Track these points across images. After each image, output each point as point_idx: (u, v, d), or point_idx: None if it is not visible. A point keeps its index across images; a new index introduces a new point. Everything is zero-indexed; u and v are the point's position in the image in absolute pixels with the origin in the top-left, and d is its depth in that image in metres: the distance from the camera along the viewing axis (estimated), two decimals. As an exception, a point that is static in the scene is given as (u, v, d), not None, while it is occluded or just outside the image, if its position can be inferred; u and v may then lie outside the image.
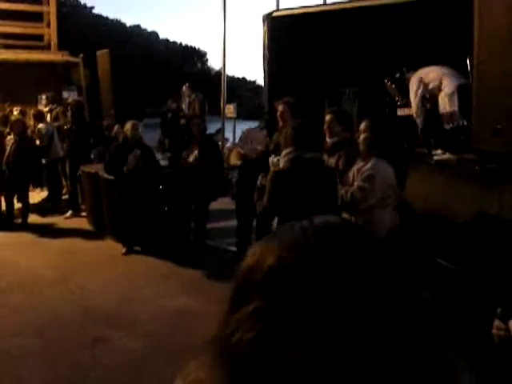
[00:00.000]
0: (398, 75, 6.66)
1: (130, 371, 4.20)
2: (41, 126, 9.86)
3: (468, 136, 5.24)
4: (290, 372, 0.66)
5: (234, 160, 5.74)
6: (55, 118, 9.60)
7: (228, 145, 11.62)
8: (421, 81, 6.13)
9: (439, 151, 5.78)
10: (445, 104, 5.78)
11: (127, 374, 4.18)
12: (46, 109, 10.64)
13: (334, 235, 0.75)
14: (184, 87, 11.45)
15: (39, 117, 10.15)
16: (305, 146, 3.57)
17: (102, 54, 8.41)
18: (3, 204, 8.66)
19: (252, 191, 6.03)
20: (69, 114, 9.34)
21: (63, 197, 10.35)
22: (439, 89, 5.92)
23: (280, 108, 5.94)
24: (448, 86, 5.74)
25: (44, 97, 11.05)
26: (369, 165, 4.21)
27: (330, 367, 0.65)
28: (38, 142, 9.44)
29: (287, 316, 0.68)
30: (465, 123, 5.58)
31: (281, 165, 3.65)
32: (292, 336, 0.67)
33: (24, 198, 8.66)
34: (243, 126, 7.15)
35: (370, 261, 0.72)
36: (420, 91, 6.12)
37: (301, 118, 3.89)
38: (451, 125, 5.75)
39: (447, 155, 5.56)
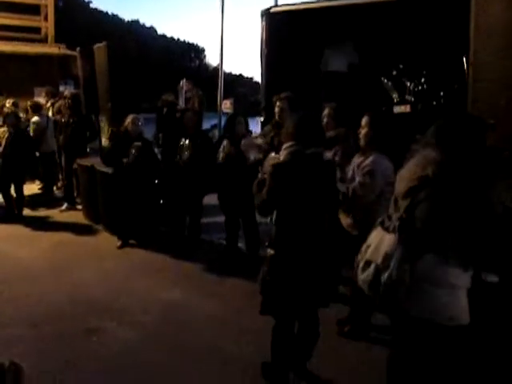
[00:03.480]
0: (394, 73, 6.69)
1: (123, 361, 4.22)
2: (35, 118, 9.88)
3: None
4: None
5: (253, 155, 5.70)
6: (58, 112, 9.58)
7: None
8: None
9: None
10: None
11: (121, 363, 4.20)
12: (48, 104, 10.61)
13: None
14: (181, 82, 11.43)
15: (36, 109, 10.15)
16: (305, 141, 3.56)
17: (100, 48, 8.38)
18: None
19: (235, 186, 6.07)
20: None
21: (58, 190, 10.37)
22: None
23: (279, 103, 5.95)
24: None
25: (45, 89, 11.03)
26: (369, 160, 4.23)
27: None
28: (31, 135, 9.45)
29: None
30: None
31: (281, 158, 3.64)
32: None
33: (19, 191, 8.64)
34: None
35: None
36: None
37: (301, 112, 3.86)
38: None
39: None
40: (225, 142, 6.22)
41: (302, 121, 3.68)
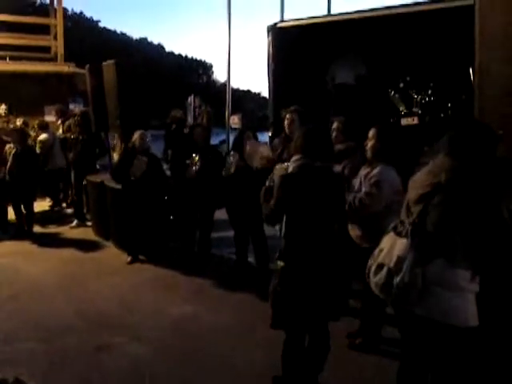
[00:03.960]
0: (401, 85, 6.71)
1: (134, 377, 4.21)
2: (41, 136, 10.07)
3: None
4: None
5: (258, 162, 5.72)
6: (68, 129, 9.68)
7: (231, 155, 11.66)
8: None
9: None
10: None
11: (131, 379, 4.19)
12: (59, 122, 10.74)
13: None
14: (190, 98, 11.51)
15: (43, 127, 10.44)
16: (314, 155, 3.59)
17: (108, 65, 8.46)
18: (11, 213, 8.73)
19: (242, 200, 6.08)
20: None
21: (68, 207, 10.42)
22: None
23: (288, 117, 5.97)
24: None
25: (54, 111, 11.17)
26: (376, 171, 4.24)
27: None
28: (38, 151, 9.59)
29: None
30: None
31: (289, 170, 3.66)
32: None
33: (29, 207, 8.71)
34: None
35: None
36: None
37: (310, 125, 3.88)
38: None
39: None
40: (232, 155, 6.24)
41: (310, 134, 3.70)
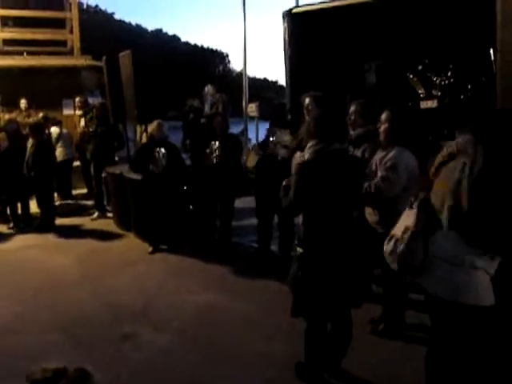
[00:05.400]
0: (420, 67, 6.60)
1: (158, 366, 4.24)
2: (52, 129, 10.47)
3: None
4: None
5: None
6: (90, 120, 9.77)
7: (250, 145, 11.65)
8: None
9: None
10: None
11: (156, 368, 4.22)
12: (80, 112, 10.83)
13: None
14: (206, 88, 11.49)
15: (54, 123, 10.87)
16: (328, 139, 3.54)
17: (124, 56, 8.47)
18: (33, 206, 8.83)
19: (270, 189, 6.07)
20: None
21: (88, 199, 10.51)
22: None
23: (306, 101, 5.93)
24: None
25: (77, 100, 11.27)
26: (391, 154, 4.19)
27: None
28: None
29: None
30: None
31: (306, 156, 3.62)
32: None
33: (49, 200, 8.81)
34: (266, 126, 7.19)
35: None
36: None
37: (322, 109, 3.84)
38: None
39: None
40: (251, 146, 6.28)
41: (322, 118, 3.66)
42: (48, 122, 10.59)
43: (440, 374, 3.04)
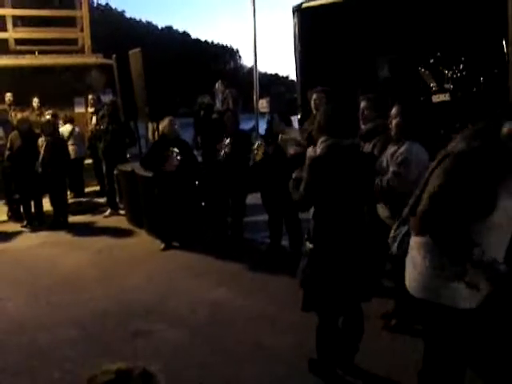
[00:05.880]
0: (432, 61, 6.56)
1: (172, 362, 4.24)
2: (64, 127, 10.53)
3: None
4: None
5: (292, 149, 5.72)
6: (102, 118, 9.81)
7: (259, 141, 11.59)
8: None
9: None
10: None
11: (170, 364, 4.22)
12: (92, 110, 10.88)
13: None
14: (217, 84, 11.47)
15: (67, 120, 10.89)
16: (339, 133, 3.51)
17: (135, 53, 8.48)
18: (46, 204, 8.89)
19: (276, 184, 6.06)
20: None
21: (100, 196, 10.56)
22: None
23: (316, 97, 5.91)
24: None
25: (90, 98, 11.30)
26: (402, 148, 4.15)
27: None
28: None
29: None
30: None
31: (318, 152, 3.60)
32: None
33: (62, 197, 8.87)
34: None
35: None
36: None
37: (331, 104, 3.81)
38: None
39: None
40: (258, 142, 6.26)
41: (332, 113, 3.63)
42: (57, 119, 10.63)
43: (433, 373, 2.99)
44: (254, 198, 7.46)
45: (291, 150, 5.69)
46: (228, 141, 6.69)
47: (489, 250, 2.52)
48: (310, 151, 4.50)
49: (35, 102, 12.17)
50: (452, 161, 2.57)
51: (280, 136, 5.95)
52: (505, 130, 2.49)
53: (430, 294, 2.72)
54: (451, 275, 2.61)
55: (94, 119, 10.39)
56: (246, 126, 11.34)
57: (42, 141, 8.55)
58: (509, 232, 2.62)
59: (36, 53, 14.01)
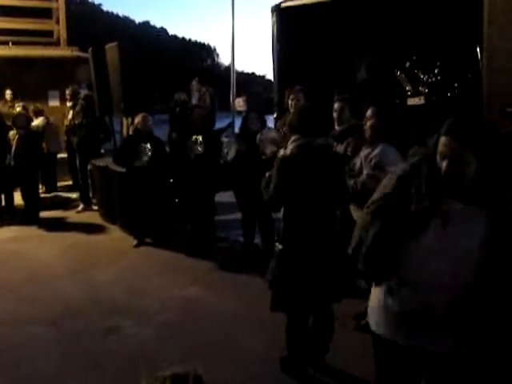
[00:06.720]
0: (408, 64, 6.63)
1: (141, 359, 4.21)
2: (35, 121, 10.12)
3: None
4: None
5: (270, 148, 5.68)
6: (77, 112, 9.64)
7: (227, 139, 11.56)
8: None
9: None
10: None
11: (139, 361, 4.20)
12: (70, 104, 10.70)
13: None
14: (193, 82, 11.43)
15: (37, 112, 10.54)
16: (312, 132, 3.50)
17: (111, 48, 8.39)
18: (17, 198, 8.74)
19: (249, 183, 6.06)
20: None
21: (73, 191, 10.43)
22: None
23: (293, 96, 5.93)
24: None
25: (67, 91, 11.13)
26: (376, 151, 4.18)
27: None
28: None
29: None
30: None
31: (288, 151, 3.58)
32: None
33: (35, 192, 8.73)
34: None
35: None
36: None
37: (305, 103, 3.82)
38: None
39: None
40: (226, 140, 6.27)
41: (305, 112, 3.63)
42: (27, 111, 10.42)
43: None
44: (227, 196, 7.45)
45: (268, 150, 5.69)
46: (200, 139, 6.67)
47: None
48: (281, 151, 4.51)
49: (8, 94, 11.92)
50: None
51: (258, 135, 5.95)
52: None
53: None
54: None
55: (70, 114, 10.24)
56: (222, 123, 11.34)
57: (13, 134, 8.40)
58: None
59: (10, 43, 13.76)
